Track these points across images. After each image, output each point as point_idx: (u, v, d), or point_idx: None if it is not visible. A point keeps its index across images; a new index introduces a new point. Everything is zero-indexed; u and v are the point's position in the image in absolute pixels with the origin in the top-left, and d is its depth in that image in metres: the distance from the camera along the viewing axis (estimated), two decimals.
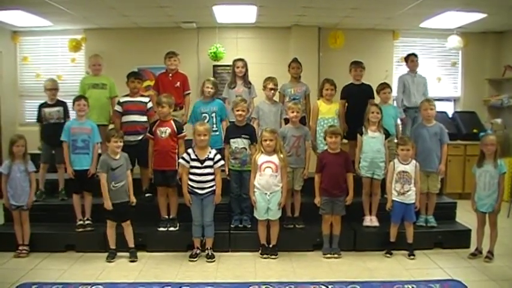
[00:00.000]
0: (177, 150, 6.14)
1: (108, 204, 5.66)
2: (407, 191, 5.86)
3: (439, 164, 6.39)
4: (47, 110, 6.76)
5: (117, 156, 5.75)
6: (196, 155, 5.73)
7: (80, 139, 6.12)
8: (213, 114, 6.64)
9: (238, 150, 6.16)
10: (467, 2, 7.18)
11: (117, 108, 6.70)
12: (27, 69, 9.58)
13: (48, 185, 6.86)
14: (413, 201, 5.90)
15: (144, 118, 6.62)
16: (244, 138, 6.18)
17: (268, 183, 5.73)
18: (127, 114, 6.63)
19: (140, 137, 6.43)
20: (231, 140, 6.20)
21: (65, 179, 6.80)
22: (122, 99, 6.75)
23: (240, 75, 7.11)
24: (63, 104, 6.86)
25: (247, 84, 7.16)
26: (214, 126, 6.57)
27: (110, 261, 5.68)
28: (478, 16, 8.05)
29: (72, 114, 6.70)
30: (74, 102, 6.25)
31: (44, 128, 6.83)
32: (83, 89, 7.09)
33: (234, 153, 6.19)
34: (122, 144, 5.76)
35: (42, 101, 6.91)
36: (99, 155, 6.13)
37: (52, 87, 6.86)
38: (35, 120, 6.95)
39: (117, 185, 5.68)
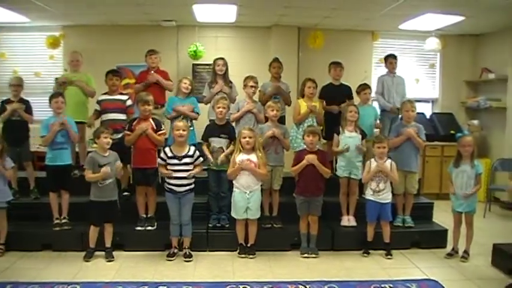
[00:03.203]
0: (156, 148, 6.13)
1: (106, 171, 5.58)
2: (383, 189, 5.91)
3: (417, 165, 6.49)
4: (9, 106, 6.61)
5: (106, 154, 5.69)
6: (173, 152, 5.72)
7: (59, 134, 6.04)
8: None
9: (215, 149, 6.14)
10: (445, 5, 7.25)
11: (96, 107, 6.67)
12: (5, 66, 9.43)
13: (21, 184, 6.74)
14: (388, 201, 5.95)
15: (123, 116, 6.56)
16: (223, 137, 6.17)
17: (247, 182, 5.73)
18: (105, 112, 6.59)
19: (120, 135, 6.31)
20: (210, 139, 6.20)
21: (36, 177, 6.74)
22: (100, 98, 6.71)
23: (220, 73, 7.07)
24: (26, 102, 6.73)
25: (228, 83, 7.12)
26: (187, 122, 6.42)
27: (87, 261, 5.62)
28: (456, 19, 8.15)
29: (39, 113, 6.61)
30: (50, 100, 6.17)
31: (5, 126, 6.67)
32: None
33: (211, 152, 6.17)
34: (111, 140, 5.70)
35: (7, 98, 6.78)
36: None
37: (15, 83, 6.73)
38: None
39: (104, 182, 5.61)
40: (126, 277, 5.18)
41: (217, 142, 6.17)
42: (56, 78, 7.28)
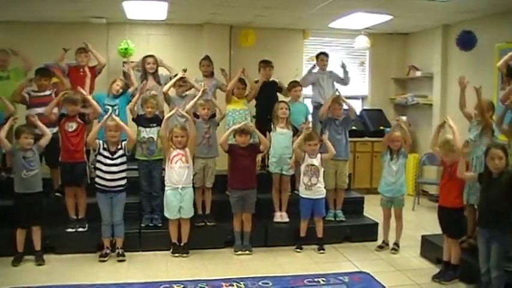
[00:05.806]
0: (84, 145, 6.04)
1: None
2: (315, 184, 6.00)
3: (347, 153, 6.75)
4: None
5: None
6: (107, 146, 5.70)
7: None
8: (116, 107, 6.47)
9: (145, 139, 6.15)
10: (374, 5, 7.40)
11: (25, 95, 6.48)
12: None
13: None
14: (322, 196, 6.06)
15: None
16: (153, 127, 6.17)
17: (179, 175, 5.74)
18: (33, 107, 6.40)
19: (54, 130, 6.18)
20: (140, 128, 6.21)
21: None
22: (29, 90, 6.56)
23: (151, 71, 7.01)
24: None
25: (159, 82, 7.07)
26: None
27: (15, 265, 5.44)
28: (384, 18, 8.30)
29: None
30: None
31: None
32: None
33: (141, 143, 6.16)
34: (32, 141, 5.51)
35: None
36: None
37: None
38: None
39: (28, 173, 5.44)
40: (58, 281, 5.07)
41: (147, 132, 6.18)
42: None
